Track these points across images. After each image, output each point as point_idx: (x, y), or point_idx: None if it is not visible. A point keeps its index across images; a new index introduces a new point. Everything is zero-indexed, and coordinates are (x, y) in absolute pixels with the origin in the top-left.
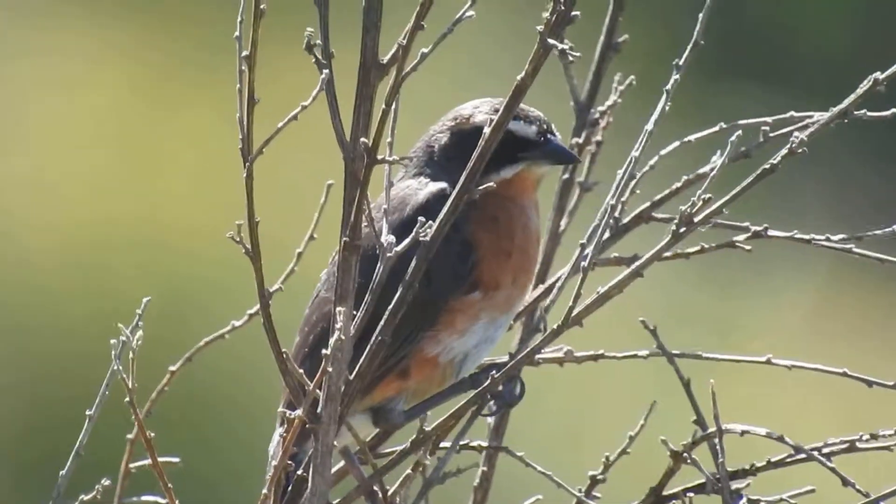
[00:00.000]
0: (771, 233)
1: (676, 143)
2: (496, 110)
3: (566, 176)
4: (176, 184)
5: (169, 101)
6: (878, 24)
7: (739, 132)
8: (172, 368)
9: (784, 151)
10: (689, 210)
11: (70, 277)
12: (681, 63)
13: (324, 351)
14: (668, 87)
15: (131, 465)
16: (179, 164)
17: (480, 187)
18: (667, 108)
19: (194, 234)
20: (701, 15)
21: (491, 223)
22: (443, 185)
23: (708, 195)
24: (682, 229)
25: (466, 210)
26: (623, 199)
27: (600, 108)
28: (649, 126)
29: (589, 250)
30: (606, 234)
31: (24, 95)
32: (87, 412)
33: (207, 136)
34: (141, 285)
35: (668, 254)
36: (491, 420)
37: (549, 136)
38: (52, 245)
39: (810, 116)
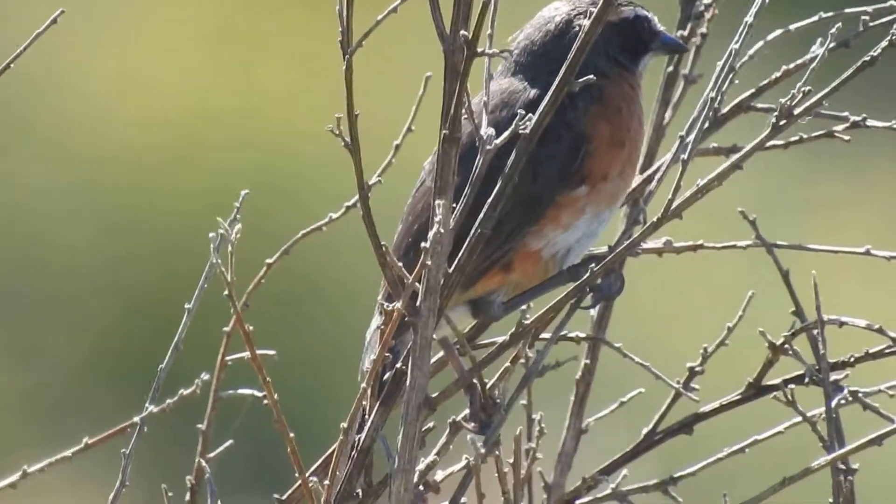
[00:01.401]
0: (869, 122)
1: (777, 33)
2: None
3: (671, 68)
4: (272, 80)
5: None
6: None
7: (839, 23)
8: (269, 261)
9: (884, 43)
10: (788, 102)
11: (168, 172)
12: None
13: (423, 244)
14: None
15: (228, 358)
16: (277, 60)
17: (580, 80)
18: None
19: (292, 129)
20: None
21: (614, 114)
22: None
23: (808, 87)
24: (783, 122)
25: (587, 104)
26: (723, 90)
27: (705, 1)
28: (749, 18)
29: (689, 140)
30: (706, 125)
31: None
32: (186, 305)
33: (305, 33)
34: (239, 179)
35: (767, 145)
36: (593, 312)
37: (657, 27)
38: (149, 140)
39: None
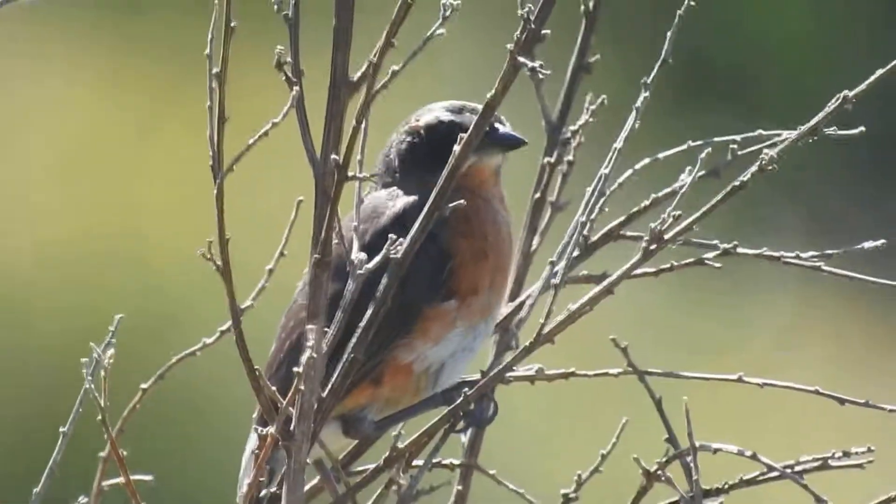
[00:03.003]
0: (740, 250)
1: (646, 161)
2: (451, 110)
3: (538, 195)
4: (152, 201)
5: (144, 119)
6: (842, 43)
7: (709, 150)
8: (144, 386)
9: (754, 168)
10: (659, 227)
11: (45, 293)
12: (649, 81)
13: (295, 369)
14: (638, 104)
15: (104, 483)
16: (154, 181)
17: (451, 204)
18: (636, 126)
19: (169, 250)
20: (669, 33)
21: (464, 224)
22: (415, 196)
23: (678, 212)
24: (653, 247)
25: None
26: (592, 216)
27: (572, 128)
28: (618, 144)
29: (559, 268)
30: (576, 252)
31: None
32: (61, 429)
33: (183, 153)
34: (115, 301)
35: (638, 271)
36: (464, 438)
37: (496, 125)
38: (26, 260)
39: (779, 134)
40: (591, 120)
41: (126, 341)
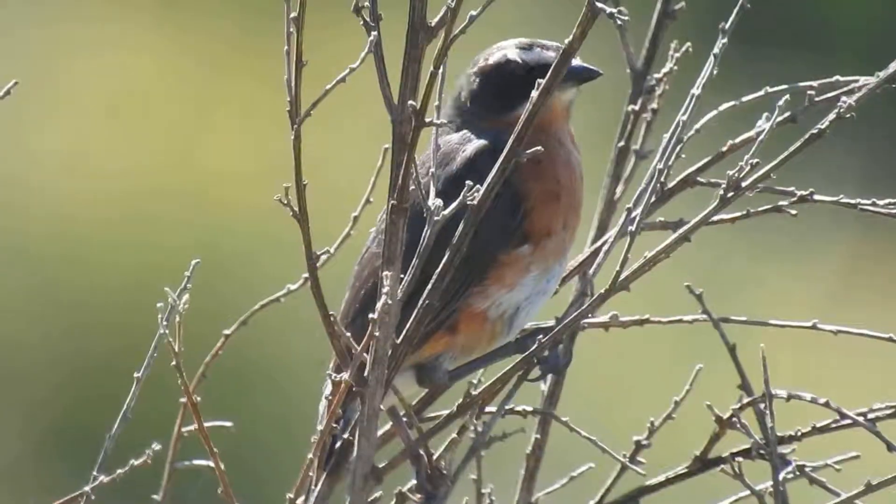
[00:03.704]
0: (817, 197)
1: (724, 107)
2: (520, 47)
3: (621, 143)
4: (216, 158)
5: (214, 63)
6: None
7: (787, 97)
8: (227, 332)
9: (832, 116)
10: (736, 175)
11: (113, 231)
12: (727, 27)
13: (371, 315)
14: (716, 50)
15: (184, 430)
16: (219, 137)
17: (528, 151)
18: (714, 72)
19: (233, 208)
20: None
21: (535, 167)
22: (486, 141)
23: (755, 160)
24: (730, 194)
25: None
26: (670, 163)
27: (656, 76)
28: (696, 90)
29: (636, 214)
30: (653, 199)
31: (72, 54)
32: (136, 374)
33: (253, 100)
34: (180, 258)
35: (714, 218)
36: (544, 387)
37: None
38: (91, 217)
39: (856, 81)
40: (675, 68)
41: (192, 296)
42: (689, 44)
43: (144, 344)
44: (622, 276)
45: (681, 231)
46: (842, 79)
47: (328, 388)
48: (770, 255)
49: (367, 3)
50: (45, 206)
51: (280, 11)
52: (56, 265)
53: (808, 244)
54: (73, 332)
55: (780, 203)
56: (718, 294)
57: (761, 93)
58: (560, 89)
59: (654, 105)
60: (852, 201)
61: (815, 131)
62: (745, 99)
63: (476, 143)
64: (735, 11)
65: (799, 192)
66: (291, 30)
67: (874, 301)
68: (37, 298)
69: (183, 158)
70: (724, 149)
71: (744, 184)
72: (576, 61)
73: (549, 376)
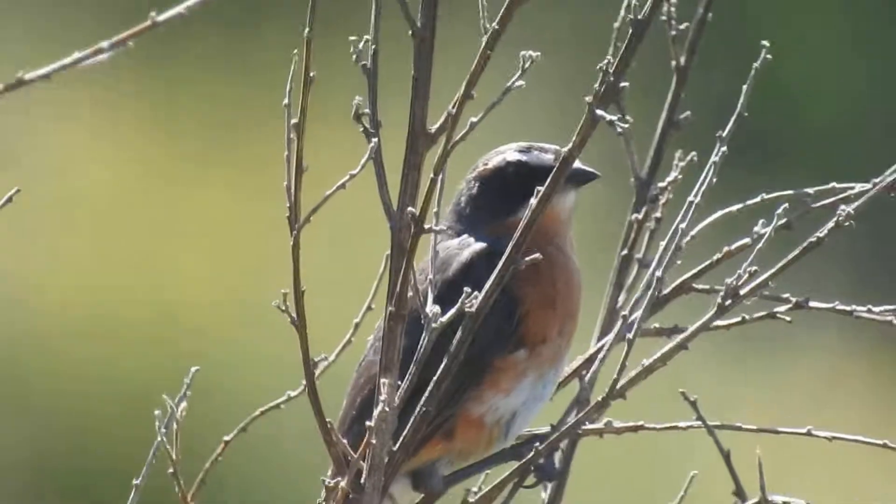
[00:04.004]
0: (812, 304)
1: (720, 213)
2: (520, 150)
3: (624, 252)
4: (187, 260)
5: (179, 177)
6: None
7: (786, 204)
8: (226, 438)
9: (831, 224)
10: (734, 283)
11: (82, 346)
12: (724, 135)
13: (367, 423)
14: (715, 158)
15: None
16: (191, 240)
17: (527, 258)
18: (714, 181)
19: (203, 309)
20: (745, 87)
21: (532, 272)
22: (484, 243)
23: (754, 268)
24: (728, 302)
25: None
26: (666, 271)
27: (660, 184)
28: (696, 199)
29: (635, 318)
30: (642, 304)
31: (38, 171)
32: (134, 482)
33: (214, 209)
34: (152, 362)
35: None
36: (545, 495)
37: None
38: (61, 312)
39: (852, 188)
40: (679, 177)
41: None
42: (693, 153)
43: (114, 451)
44: (620, 384)
45: (678, 339)
46: (838, 185)
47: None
48: (751, 356)
49: (366, 111)
50: (22, 316)
51: (243, 125)
52: (28, 378)
53: (790, 343)
54: (40, 439)
55: (776, 310)
56: (714, 396)
57: (758, 199)
58: (559, 193)
59: (658, 214)
60: (847, 308)
61: (813, 239)
62: (739, 206)
63: (473, 248)
64: (732, 120)
65: (794, 299)
66: (292, 136)
67: (854, 403)
68: (5, 408)
69: (149, 275)
70: (720, 255)
71: (742, 291)
72: (574, 163)
73: (548, 483)
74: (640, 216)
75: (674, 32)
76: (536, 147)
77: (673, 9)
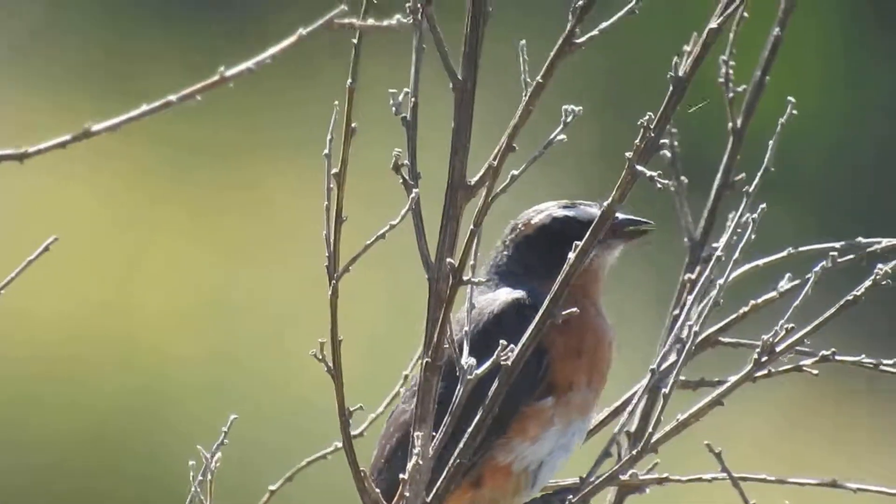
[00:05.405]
0: (839, 357)
1: (745, 267)
2: (563, 206)
3: (676, 311)
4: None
5: (146, 197)
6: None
7: (824, 262)
8: (272, 487)
9: (868, 283)
10: (771, 339)
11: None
12: (750, 190)
13: (401, 476)
14: (755, 216)
15: None
16: (154, 280)
17: (565, 312)
18: (752, 237)
19: (171, 334)
20: (771, 142)
21: (563, 325)
22: (519, 293)
23: (791, 325)
24: (764, 359)
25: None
26: (697, 325)
27: (714, 245)
28: (731, 253)
29: (671, 374)
30: (680, 358)
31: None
32: None
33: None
34: (118, 403)
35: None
36: None
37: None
38: (26, 339)
39: (878, 242)
40: (734, 238)
41: (123, 441)
42: (750, 215)
43: (85, 481)
44: (654, 438)
45: (714, 394)
46: (864, 240)
47: None
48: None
49: (406, 162)
50: None
51: (208, 144)
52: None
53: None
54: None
55: (802, 363)
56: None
57: (784, 253)
58: (606, 248)
59: (710, 274)
60: (874, 361)
61: (850, 298)
62: (765, 261)
63: (505, 298)
64: (759, 174)
65: (821, 352)
66: (332, 185)
67: (817, 442)
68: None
69: (116, 300)
70: (747, 309)
71: (778, 348)
72: (622, 215)
73: None
74: (693, 276)
75: (731, 94)
76: (582, 204)
77: (731, 71)
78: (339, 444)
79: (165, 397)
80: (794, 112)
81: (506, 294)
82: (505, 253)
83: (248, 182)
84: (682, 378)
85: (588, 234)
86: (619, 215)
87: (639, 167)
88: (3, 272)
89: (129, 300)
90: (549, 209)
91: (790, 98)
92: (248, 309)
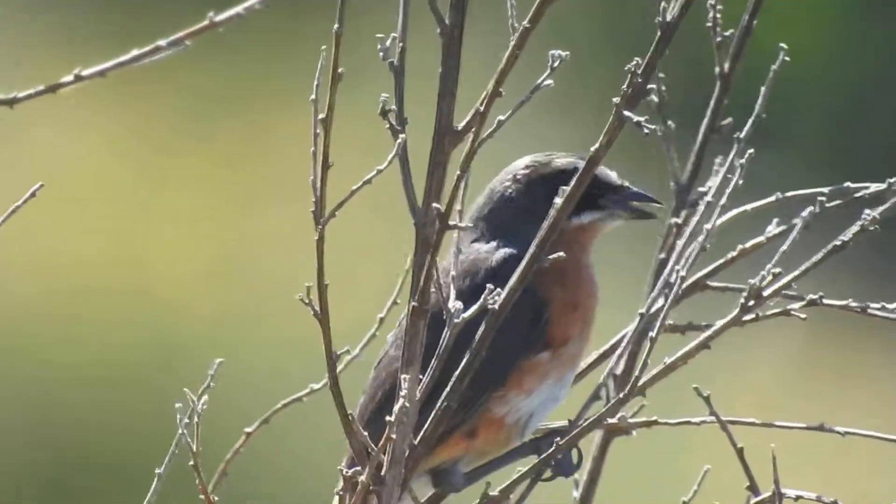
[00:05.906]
0: (826, 301)
1: (734, 212)
2: (566, 157)
3: (662, 255)
4: (169, 237)
5: (159, 149)
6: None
7: (811, 208)
8: (248, 430)
9: (855, 228)
10: (758, 283)
11: (55, 326)
12: (742, 136)
13: (388, 417)
14: (742, 161)
15: None
16: (173, 216)
17: (551, 256)
18: (740, 182)
19: (185, 287)
20: (763, 88)
21: (558, 274)
22: (513, 250)
23: (778, 269)
24: (751, 303)
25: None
26: (685, 270)
27: (700, 189)
28: (718, 199)
29: (659, 316)
30: (667, 302)
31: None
32: (157, 471)
33: (199, 183)
34: (127, 336)
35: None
36: (576, 494)
37: (628, 184)
38: (41, 311)
39: (867, 187)
40: (719, 182)
41: (137, 390)
42: (741, 161)
43: (93, 436)
44: (641, 381)
45: (701, 338)
46: (852, 185)
47: (339, 484)
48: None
49: (393, 107)
50: None
51: (223, 94)
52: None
53: (759, 330)
54: (16, 425)
55: (790, 307)
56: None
57: (772, 198)
58: (613, 217)
59: (697, 218)
60: (861, 304)
61: (837, 243)
62: (753, 205)
63: (503, 253)
64: (750, 121)
65: (808, 296)
66: (318, 131)
67: (822, 390)
68: None
69: (129, 250)
70: (735, 254)
71: (765, 293)
72: (636, 188)
73: (583, 481)
74: (680, 221)
75: (718, 39)
76: (581, 156)
77: (718, 16)
78: (315, 386)
79: (178, 350)
80: (787, 59)
81: (501, 250)
82: (498, 201)
83: (262, 131)
84: (670, 322)
85: (574, 181)
86: (633, 188)
87: (626, 112)
88: (21, 225)
89: (141, 253)
90: (556, 159)
91: (782, 45)
92: (260, 261)
